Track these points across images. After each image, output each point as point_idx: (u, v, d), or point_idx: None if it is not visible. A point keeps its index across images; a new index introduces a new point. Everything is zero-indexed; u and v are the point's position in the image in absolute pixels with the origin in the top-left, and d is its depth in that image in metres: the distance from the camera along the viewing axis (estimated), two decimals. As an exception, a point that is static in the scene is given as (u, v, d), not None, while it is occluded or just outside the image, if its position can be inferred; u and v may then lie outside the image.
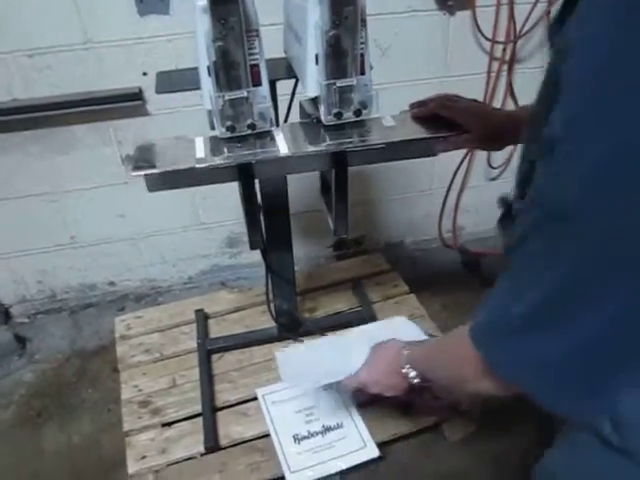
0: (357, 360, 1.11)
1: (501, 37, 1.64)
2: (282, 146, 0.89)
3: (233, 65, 0.83)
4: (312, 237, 1.91)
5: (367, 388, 1.08)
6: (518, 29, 1.62)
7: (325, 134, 0.93)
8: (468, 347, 0.62)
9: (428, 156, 1.01)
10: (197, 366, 1.44)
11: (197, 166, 0.86)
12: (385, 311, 1.58)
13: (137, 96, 1.49)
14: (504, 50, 1.68)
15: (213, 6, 0.76)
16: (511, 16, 1.61)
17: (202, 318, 1.58)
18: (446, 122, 0.96)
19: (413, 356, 0.94)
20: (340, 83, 0.86)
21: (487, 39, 1.64)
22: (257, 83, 0.86)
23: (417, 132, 0.95)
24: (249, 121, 0.87)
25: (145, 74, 1.48)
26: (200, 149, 0.90)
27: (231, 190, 1.66)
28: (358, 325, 1.48)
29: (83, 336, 1.74)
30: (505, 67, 1.70)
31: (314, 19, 0.84)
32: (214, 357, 1.48)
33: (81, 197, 1.63)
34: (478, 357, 0.61)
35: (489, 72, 1.70)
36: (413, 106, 1.02)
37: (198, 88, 1.02)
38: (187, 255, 1.82)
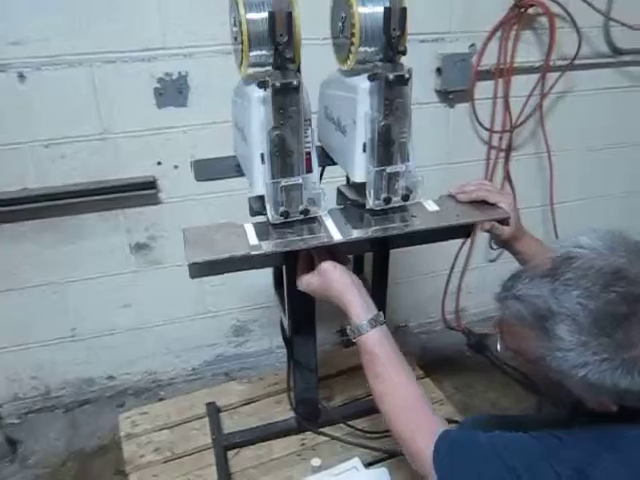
0: None
1: (498, 127, 1.74)
2: (334, 232, 0.89)
3: (288, 153, 0.84)
4: (318, 322, 1.88)
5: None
6: (514, 120, 1.72)
7: (371, 219, 0.94)
8: (427, 452, 0.80)
9: (466, 237, 1.03)
10: (213, 464, 1.35)
11: (252, 253, 0.85)
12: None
13: (151, 185, 1.50)
14: (501, 139, 1.77)
15: (276, 97, 0.78)
16: (507, 108, 1.71)
17: (214, 412, 1.50)
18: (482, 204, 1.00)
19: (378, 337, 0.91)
20: (390, 169, 0.88)
21: (485, 129, 1.73)
22: (309, 170, 0.87)
23: (464, 216, 0.97)
24: (302, 207, 0.87)
25: (160, 163, 1.50)
26: (252, 235, 0.89)
27: (240, 275, 1.65)
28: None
29: (80, 436, 1.63)
30: (502, 154, 1.79)
31: (364, 110, 0.87)
32: (230, 453, 1.39)
33: (86, 287, 1.58)
34: (430, 465, 0.79)
35: (488, 159, 1.79)
36: (454, 190, 1.05)
37: (238, 175, 1.04)
38: (193, 345, 1.76)
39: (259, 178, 0.88)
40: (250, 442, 1.42)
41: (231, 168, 1.04)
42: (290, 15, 0.77)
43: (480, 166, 1.79)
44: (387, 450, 1.39)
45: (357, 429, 1.43)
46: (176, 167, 1.51)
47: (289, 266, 0.97)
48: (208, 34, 1.38)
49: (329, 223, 0.91)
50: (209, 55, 1.41)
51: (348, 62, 0.89)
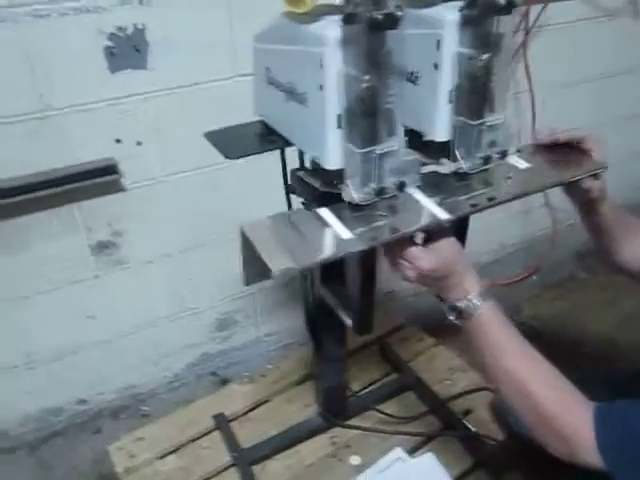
0: None
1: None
2: (433, 208, 0.72)
3: (378, 112, 0.64)
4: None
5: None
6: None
7: (459, 186, 0.78)
8: (588, 433, 0.72)
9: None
10: (240, 486, 1.17)
11: (356, 250, 0.66)
12: (423, 372, 1.42)
13: (111, 169, 1.21)
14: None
15: (371, 35, 0.58)
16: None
17: (224, 423, 1.30)
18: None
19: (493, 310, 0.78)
20: (489, 121, 0.71)
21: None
22: (392, 132, 0.68)
23: (563, 173, 0.84)
24: (397, 179, 0.68)
25: (119, 141, 1.22)
26: (337, 225, 0.69)
27: (219, 264, 1.43)
28: (413, 390, 1.32)
29: (56, 477, 1.36)
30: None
31: (451, 49, 0.69)
32: (255, 469, 1.21)
33: (39, 302, 1.28)
34: (592, 440, 0.72)
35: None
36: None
37: (283, 147, 0.82)
38: (172, 348, 1.52)
39: (335, 147, 0.68)
40: (275, 452, 1.25)
41: (263, 138, 0.82)
42: None
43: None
44: (425, 433, 1.28)
45: (389, 415, 1.30)
46: (139, 144, 1.24)
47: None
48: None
49: (420, 197, 0.73)
50: (173, 1, 1.14)
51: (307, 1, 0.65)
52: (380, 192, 0.69)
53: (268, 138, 0.83)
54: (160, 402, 1.54)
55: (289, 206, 1.01)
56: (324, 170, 0.74)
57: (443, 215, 0.72)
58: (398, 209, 0.73)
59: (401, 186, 0.70)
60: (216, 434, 1.30)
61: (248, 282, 0.73)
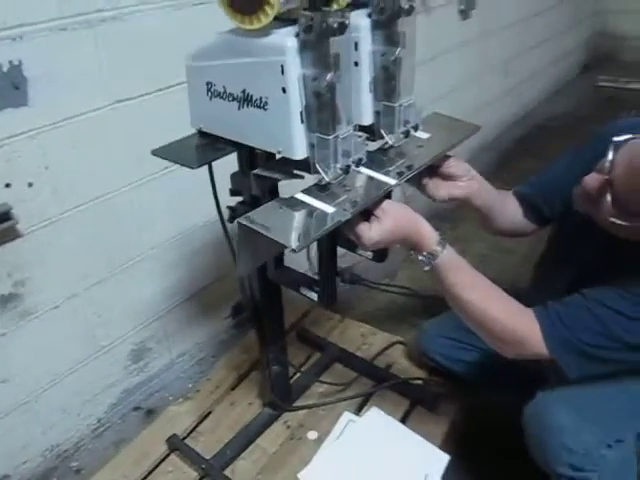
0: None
1: None
2: (380, 177, 0.86)
3: (334, 104, 0.77)
4: (209, 315, 1.74)
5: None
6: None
7: (387, 158, 0.93)
8: (536, 333, 0.94)
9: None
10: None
11: (345, 219, 0.77)
12: (341, 343, 1.57)
13: (5, 216, 1.14)
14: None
15: (326, 40, 0.70)
16: None
17: (180, 442, 1.30)
18: None
19: (450, 255, 0.94)
20: (404, 102, 0.88)
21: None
22: (344, 119, 0.81)
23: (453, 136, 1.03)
24: (357, 157, 0.81)
25: (8, 185, 1.15)
26: (318, 204, 0.80)
27: (127, 292, 1.41)
28: (340, 361, 1.47)
29: None
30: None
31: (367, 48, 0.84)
32: (226, 473, 1.24)
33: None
34: (542, 342, 0.94)
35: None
36: None
37: (234, 150, 0.89)
38: (91, 393, 1.45)
39: (301, 140, 0.78)
40: (240, 452, 1.30)
41: (209, 146, 0.88)
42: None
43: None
44: (364, 393, 1.43)
45: (332, 384, 1.44)
46: (31, 185, 1.18)
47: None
48: (40, 7, 1.08)
49: (366, 170, 0.87)
50: (45, 35, 1.11)
51: (262, 17, 0.74)
52: (346, 170, 0.82)
53: (214, 145, 0.90)
54: (89, 453, 1.45)
55: (219, 212, 1.07)
56: (283, 163, 0.84)
57: (392, 182, 0.87)
58: (355, 182, 0.86)
59: (358, 162, 0.83)
60: (174, 457, 1.29)
61: (242, 272, 0.79)
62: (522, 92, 3.39)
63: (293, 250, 0.71)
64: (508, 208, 1.22)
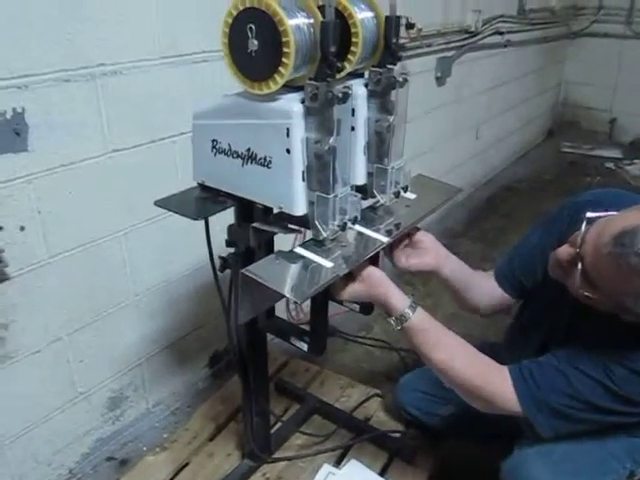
0: None
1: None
2: (374, 234, 0.91)
3: (334, 165, 0.82)
4: (186, 364, 1.73)
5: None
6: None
7: (378, 216, 0.99)
8: (509, 391, 0.98)
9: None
10: None
11: (342, 274, 0.81)
12: (320, 395, 1.58)
13: (-5, 259, 1.15)
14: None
15: (331, 108, 0.76)
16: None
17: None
18: None
19: (419, 317, 0.98)
20: (396, 165, 0.94)
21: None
22: (340, 180, 0.87)
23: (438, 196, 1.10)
24: (353, 215, 0.86)
25: (1, 229, 1.16)
26: (317, 258, 0.84)
27: (109, 338, 1.41)
28: (318, 413, 1.48)
29: None
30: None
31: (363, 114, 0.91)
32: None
33: None
34: (514, 400, 0.98)
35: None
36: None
37: (233, 204, 0.93)
38: (64, 442, 1.41)
39: (301, 197, 0.83)
40: (218, 507, 1.28)
41: (209, 199, 0.93)
42: (337, 24, 0.76)
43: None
44: (343, 445, 1.44)
45: (312, 435, 1.44)
46: (22, 229, 1.19)
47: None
48: (46, 59, 1.13)
49: (361, 228, 0.92)
50: (48, 85, 1.15)
51: (271, 84, 0.80)
52: (342, 227, 0.86)
53: (215, 199, 0.94)
54: (58, 505, 1.41)
55: (212, 262, 1.10)
56: (280, 217, 0.88)
57: (384, 239, 0.92)
58: (349, 239, 0.91)
59: (354, 220, 0.88)
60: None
61: (243, 320, 0.82)
62: (491, 155, 3.56)
63: (295, 302, 0.75)
64: (484, 285, 1.25)
